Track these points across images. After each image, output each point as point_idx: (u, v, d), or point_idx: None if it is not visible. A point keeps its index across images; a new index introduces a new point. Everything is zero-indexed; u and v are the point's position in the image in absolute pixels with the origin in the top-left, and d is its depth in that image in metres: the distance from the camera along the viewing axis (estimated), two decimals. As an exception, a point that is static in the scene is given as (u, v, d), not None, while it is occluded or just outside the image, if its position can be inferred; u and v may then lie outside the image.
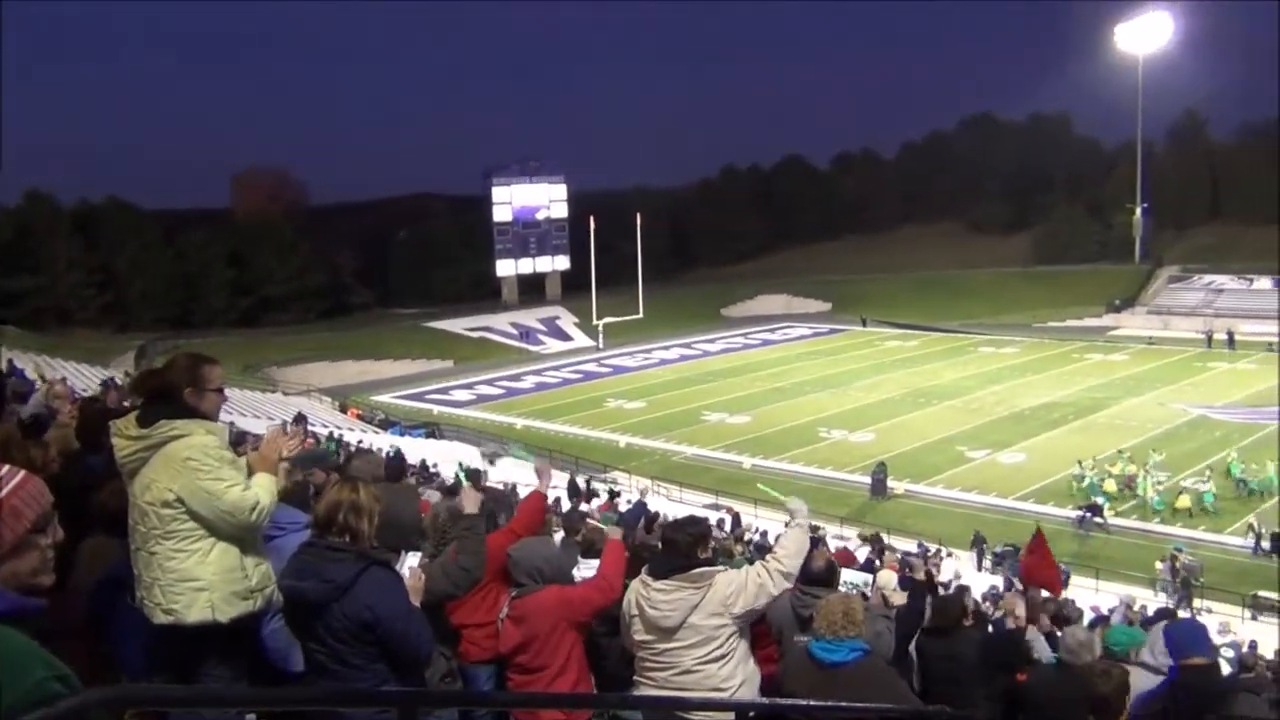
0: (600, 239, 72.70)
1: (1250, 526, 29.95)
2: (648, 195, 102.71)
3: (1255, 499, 32.95)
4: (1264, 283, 73.85)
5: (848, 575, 12.64)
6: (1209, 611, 24.26)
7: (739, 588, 5.02)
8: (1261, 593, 25.62)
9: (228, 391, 7.20)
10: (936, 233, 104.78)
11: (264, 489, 4.26)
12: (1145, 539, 30.68)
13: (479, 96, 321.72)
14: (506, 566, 5.53)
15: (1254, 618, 24.64)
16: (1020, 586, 19.91)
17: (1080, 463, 35.82)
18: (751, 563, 6.21)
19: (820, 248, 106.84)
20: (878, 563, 18.06)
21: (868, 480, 36.28)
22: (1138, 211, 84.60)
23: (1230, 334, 63.87)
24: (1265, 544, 28.70)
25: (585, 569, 6.39)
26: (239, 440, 13.55)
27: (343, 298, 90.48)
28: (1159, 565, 27.22)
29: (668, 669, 5.03)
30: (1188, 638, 5.18)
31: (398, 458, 15.50)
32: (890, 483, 35.79)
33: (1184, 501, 32.33)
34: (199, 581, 4.11)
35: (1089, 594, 23.98)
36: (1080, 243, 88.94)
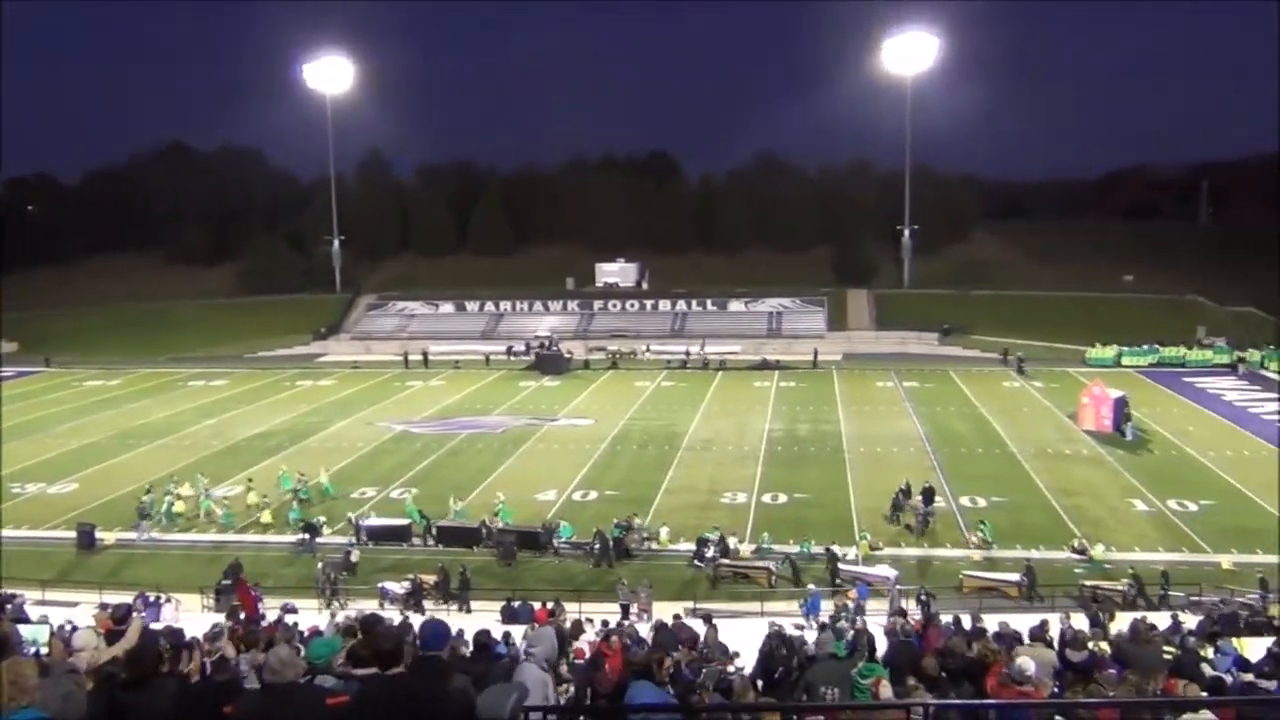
0: None
1: (349, 520, 33.53)
2: None
3: (338, 502, 36.37)
4: (447, 307, 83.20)
5: (28, 631, 11.29)
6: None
7: None
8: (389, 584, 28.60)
9: None
10: (135, 264, 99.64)
11: None
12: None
13: None
14: None
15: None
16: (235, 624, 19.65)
17: (149, 489, 36.47)
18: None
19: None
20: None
21: (74, 535, 32.96)
22: (335, 243, 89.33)
23: (425, 353, 70.54)
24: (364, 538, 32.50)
25: None
26: None
27: None
28: (319, 565, 28.96)
29: None
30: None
31: None
32: (99, 534, 32.93)
33: (267, 516, 34.63)
34: None
35: (310, 614, 24.56)
36: (284, 273, 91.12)
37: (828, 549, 29.53)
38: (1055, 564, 29.51)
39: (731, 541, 30.86)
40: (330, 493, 37.40)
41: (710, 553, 29.86)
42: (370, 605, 26.07)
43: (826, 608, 24.78)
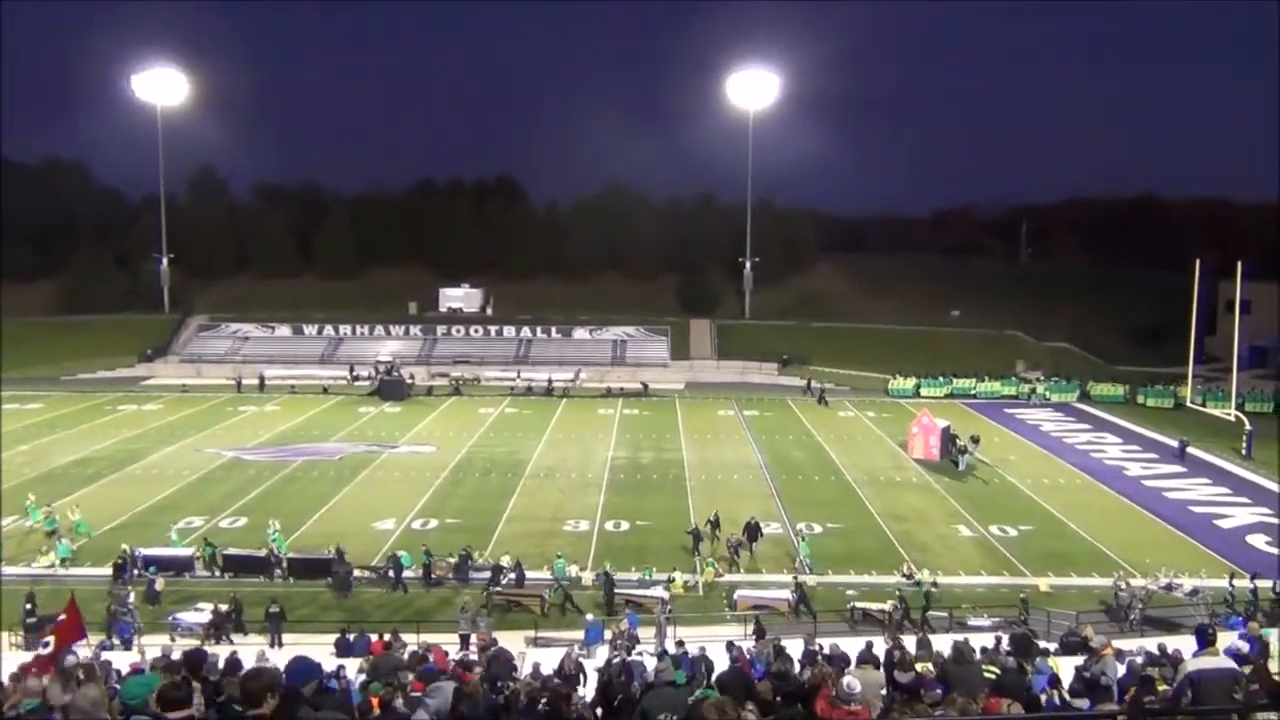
0: None
1: (124, 551, 31.58)
2: None
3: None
4: (284, 330, 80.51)
5: None
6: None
7: None
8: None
9: None
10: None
11: None
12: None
13: None
14: None
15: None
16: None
17: None
18: None
19: None
20: None
21: None
22: (164, 261, 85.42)
23: (261, 378, 68.06)
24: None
25: None
26: None
27: None
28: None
29: None
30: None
31: None
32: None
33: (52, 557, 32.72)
34: None
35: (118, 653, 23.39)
36: (107, 292, 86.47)
37: (604, 573, 29.70)
38: (828, 587, 30.55)
39: (573, 570, 30.81)
40: (83, 529, 34.78)
41: (505, 580, 29.91)
42: (161, 639, 24.99)
43: (608, 636, 25.15)
